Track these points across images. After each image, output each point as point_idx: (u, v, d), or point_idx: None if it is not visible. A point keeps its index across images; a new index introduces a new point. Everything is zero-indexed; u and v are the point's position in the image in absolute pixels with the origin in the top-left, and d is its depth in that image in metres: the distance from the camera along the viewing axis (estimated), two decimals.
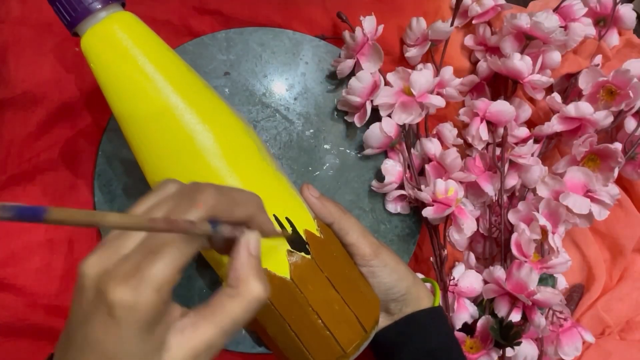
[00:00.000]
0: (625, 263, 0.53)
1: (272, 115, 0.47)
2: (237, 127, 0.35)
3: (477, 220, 0.48)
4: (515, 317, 0.45)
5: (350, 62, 0.46)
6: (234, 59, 0.46)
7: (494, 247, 0.49)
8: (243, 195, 0.28)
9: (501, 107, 0.46)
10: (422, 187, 0.46)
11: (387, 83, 0.46)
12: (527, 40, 0.46)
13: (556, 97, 0.47)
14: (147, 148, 0.34)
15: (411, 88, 0.44)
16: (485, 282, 0.47)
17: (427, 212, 0.45)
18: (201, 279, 0.44)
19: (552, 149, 0.51)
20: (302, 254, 0.34)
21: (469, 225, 0.45)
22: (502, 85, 0.50)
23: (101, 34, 0.32)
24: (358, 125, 0.47)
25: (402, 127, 0.47)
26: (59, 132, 0.44)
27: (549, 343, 0.47)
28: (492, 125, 0.48)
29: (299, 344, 0.34)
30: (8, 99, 0.43)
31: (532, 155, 0.47)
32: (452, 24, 0.48)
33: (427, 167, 0.47)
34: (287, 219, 0.34)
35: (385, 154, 0.49)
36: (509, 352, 0.45)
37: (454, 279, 0.46)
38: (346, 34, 0.47)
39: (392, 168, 0.47)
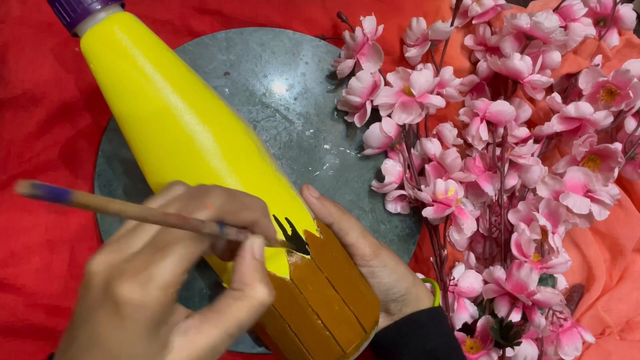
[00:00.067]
0: (625, 263, 0.53)
1: (272, 115, 0.47)
2: (237, 128, 0.35)
3: (477, 220, 0.48)
4: (515, 317, 0.45)
5: (350, 62, 0.46)
6: (234, 59, 0.46)
7: (494, 247, 0.49)
8: (250, 200, 0.28)
9: (501, 107, 0.46)
10: (422, 187, 0.46)
11: (387, 83, 0.46)
12: (527, 40, 0.46)
13: (556, 97, 0.47)
14: (147, 148, 0.34)
15: (411, 88, 0.44)
16: (485, 282, 0.47)
17: (427, 212, 0.45)
18: (201, 279, 0.44)
19: (552, 149, 0.51)
20: (302, 254, 0.34)
21: (469, 225, 0.45)
22: (502, 85, 0.50)
23: (101, 35, 0.32)
24: (358, 125, 0.47)
25: (402, 127, 0.47)
26: (58, 132, 0.44)
27: (549, 343, 0.47)
28: (492, 125, 0.48)
29: (298, 344, 0.34)
30: (8, 99, 0.43)
31: (532, 155, 0.47)
32: (452, 24, 0.48)
33: (427, 167, 0.47)
34: (286, 219, 0.34)
35: (385, 154, 0.49)
36: (509, 352, 0.45)
37: (454, 279, 0.46)
38: (346, 34, 0.47)
39: (392, 168, 0.47)
